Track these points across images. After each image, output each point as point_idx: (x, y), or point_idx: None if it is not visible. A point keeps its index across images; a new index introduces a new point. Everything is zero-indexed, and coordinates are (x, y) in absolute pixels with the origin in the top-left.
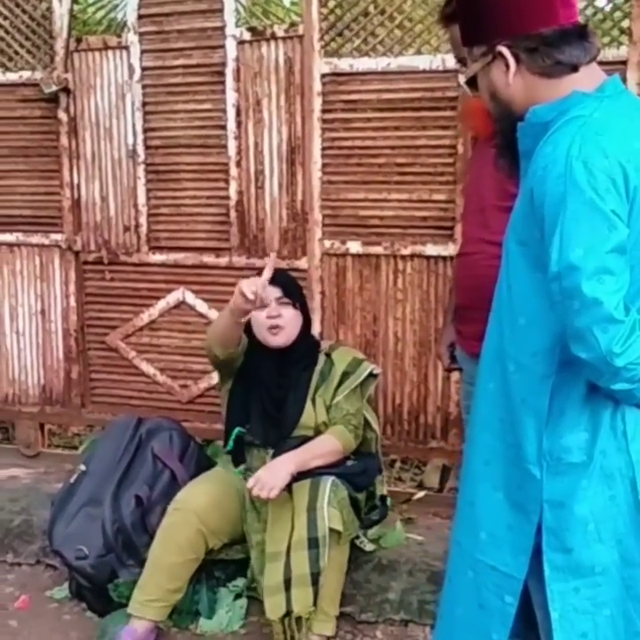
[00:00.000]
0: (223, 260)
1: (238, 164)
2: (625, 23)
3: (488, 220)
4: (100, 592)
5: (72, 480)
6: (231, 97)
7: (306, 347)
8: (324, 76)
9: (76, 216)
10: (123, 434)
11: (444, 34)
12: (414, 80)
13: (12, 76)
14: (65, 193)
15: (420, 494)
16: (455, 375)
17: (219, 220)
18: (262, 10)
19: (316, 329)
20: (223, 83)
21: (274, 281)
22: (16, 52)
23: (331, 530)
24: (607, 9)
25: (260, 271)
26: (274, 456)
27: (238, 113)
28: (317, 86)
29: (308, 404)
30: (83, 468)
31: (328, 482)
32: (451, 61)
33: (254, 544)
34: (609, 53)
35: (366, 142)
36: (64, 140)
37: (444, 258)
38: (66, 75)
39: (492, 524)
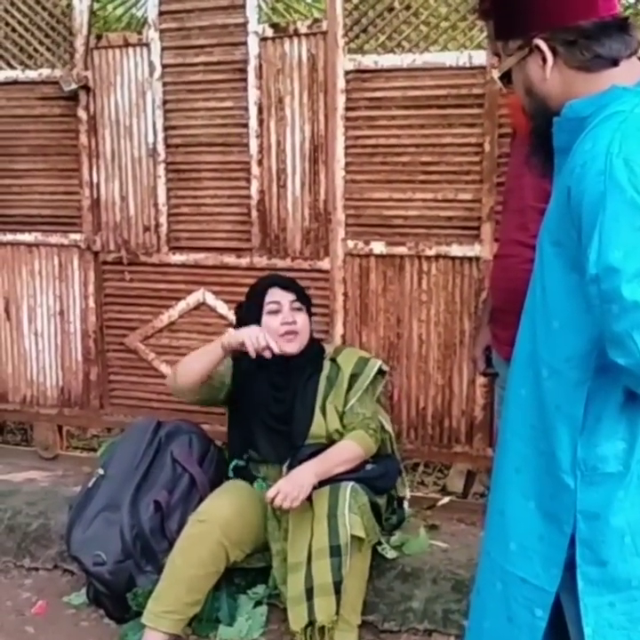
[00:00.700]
0: (244, 261)
1: (260, 162)
2: None
3: (527, 222)
4: (118, 598)
5: (90, 484)
6: (253, 94)
7: (311, 354)
8: (347, 72)
9: (95, 216)
10: (142, 437)
11: (470, 30)
12: (440, 77)
13: (31, 74)
14: (84, 192)
15: (445, 500)
16: (481, 378)
17: (240, 219)
18: (285, 6)
19: (338, 331)
20: (245, 80)
21: (287, 286)
22: (35, 50)
23: (352, 537)
24: None
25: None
26: (290, 467)
27: (260, 111)
28: (341, 83)
29: (317, 413)
30: (101, 471)
31: (348, 488)
32: (477, 58)
33: (275, 553)
34: None
35: (391, 140)
36: (83, 139)
37: (470, 259)
38: (86, 72)
39: (523, 535)
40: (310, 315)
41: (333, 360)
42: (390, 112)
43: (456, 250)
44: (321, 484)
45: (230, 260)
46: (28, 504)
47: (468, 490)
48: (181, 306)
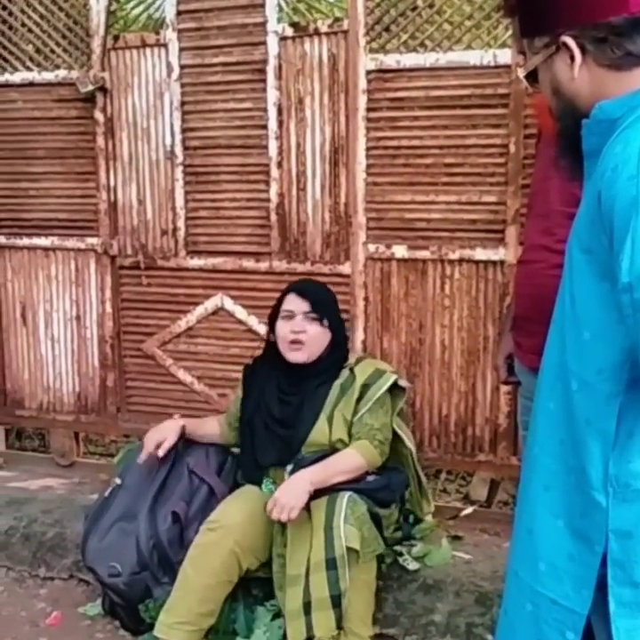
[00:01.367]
0: (263, 265)
1: (279, 165)
2: None
3: (553, 226)
4: (133, 610)
5: (106, 494)
6: (272, 95)
7: (328, 363)
8: (369, 72)
9: (112, 219)
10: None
11: (494, 28)
12: (464, 76)
13: (47, 76)
14: (101, 196)
15: (468, 511)
16: (506, 386)
17: (259, 223)
18: (307, 6)
19: (358, 337)
20: (264, 81)
21: (302, 294)
22: (52, 51)
23: (348, 549)
24: None
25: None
26: (292, 472)
27: (280, 112)
28: (362, 83)
29: (322, 420)
30: (118, 481)
31: (345, 498)
32: (502, 56)
33: (275, 556)
34: None
35: (413, 142)
36: (100, 141)
37: (494, 263)
38: (103, 74)
39: (552, 555)
40: (333, 325)
41: (351, 369)
42: (413, 113)
43: (480, 253)
44: (321, 493)
45: (249, 264)
46: (44, 512)
47: (492, 499)
48: (199, 311)
